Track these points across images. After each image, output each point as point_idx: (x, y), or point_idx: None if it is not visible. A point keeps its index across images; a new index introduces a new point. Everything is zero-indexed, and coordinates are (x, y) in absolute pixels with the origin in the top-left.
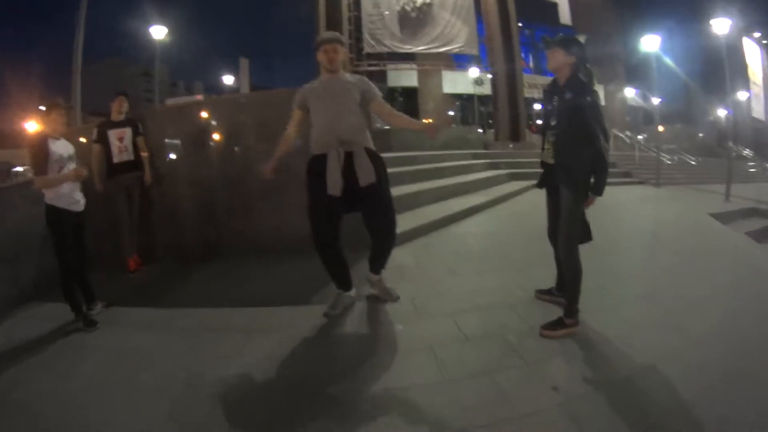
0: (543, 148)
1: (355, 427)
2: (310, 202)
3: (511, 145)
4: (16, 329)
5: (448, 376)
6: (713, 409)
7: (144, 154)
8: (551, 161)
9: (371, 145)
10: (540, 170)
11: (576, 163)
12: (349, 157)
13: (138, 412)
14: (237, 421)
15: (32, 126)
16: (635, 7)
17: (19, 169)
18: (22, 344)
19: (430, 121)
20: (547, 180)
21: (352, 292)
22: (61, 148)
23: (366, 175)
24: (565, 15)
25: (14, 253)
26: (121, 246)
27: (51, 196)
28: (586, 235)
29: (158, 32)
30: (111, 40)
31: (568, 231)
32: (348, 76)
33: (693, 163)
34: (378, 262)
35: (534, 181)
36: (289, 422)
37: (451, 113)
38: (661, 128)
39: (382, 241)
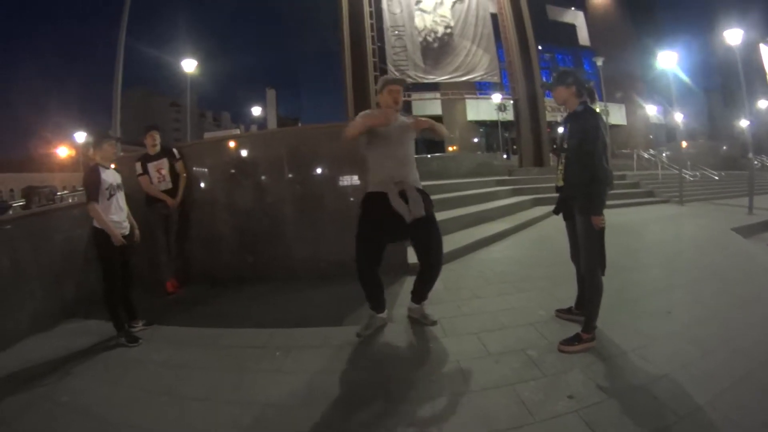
0: (558, 172)
1: None
2: (361, 232)
3: (534, 171)
4: (61, 342)
5: (473, 387)
6: (724, 413)
7: (183, 175)
8: (561, 183)
9: (420, 185)
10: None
11: (581, 181)
12: (402, 194)
13: (183, 419)
14: (277, 427)
15: (63, 151)
16: (653, 24)
17: (60, 193)
18: (68, 355)
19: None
20: (562, 204)
21: (384, 314)
22: (111, 177)
23: (416, 208)
24: (583, 36)
25: (59, 271)
26: (160, 269)
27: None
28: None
29: (189, 65)
30: (138, 69)
31: (587, 251)
32: (403, 119)
33: (716, 178)
34: (421, 294)
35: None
36: (325, 429)
37: (476, 140)
38: (684, 144)
39: (430, 272)
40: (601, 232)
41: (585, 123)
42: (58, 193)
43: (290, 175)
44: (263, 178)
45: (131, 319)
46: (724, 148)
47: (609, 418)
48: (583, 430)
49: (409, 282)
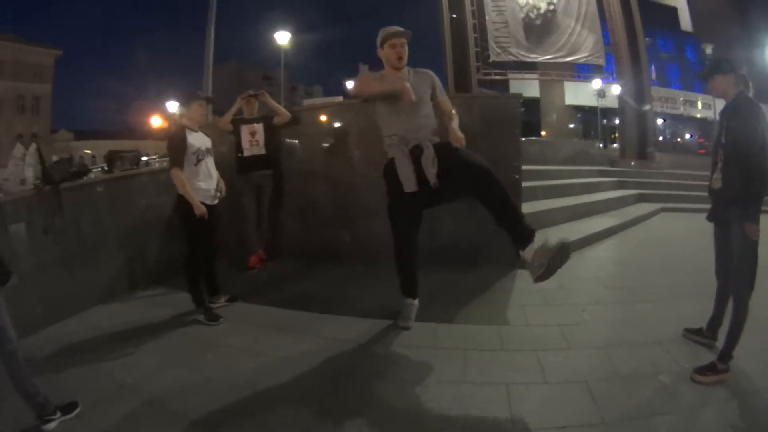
0: (712, 174)
1: None
2: (392, 205)
3: (632, 163)
4: (136, 311)
5: (604, 418)
6: None
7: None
8: (719, 185)
9: (436, 139)
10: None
11: (739, 183)
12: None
13: (266, 419)
14: None
15: (156, 121)
16: (763, 8)
17: (146, 158)
18: (141, 326)
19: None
20: (719, 210)
21: (416, 301)
22: (199, 140)
23: (429, 172)
24: (685, 21)
25: (140, 237)
26: (247, 242)
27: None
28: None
29: (282, 38)
30: (231, 43)
31: (741, 267)
32: (413, 72)
33: None
34: (517, 238)
35: (663, 204)
36: None
37: (572, 126)
38: None
39: (503, 215)
40: (755, 245)
41: (743, 114)
42: (144, 158)
43: None
44: (367, 150)
45: (213, 293)
46: None
47: None
48: None
49: (521, 277)
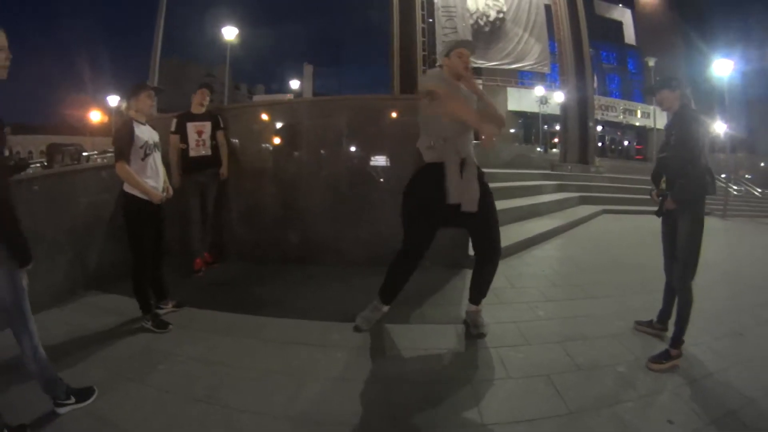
0: (660, 179)
1: None
2: (411, 211)
3: (570, 167)
4: (79, 319)
5: (570, 409)
6: None
7: (224, 147)
8: (664, 186)
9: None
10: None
11: (686, 184)
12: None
13: None
14: None
15: (96, 116)
16: (702, 29)
17: (86, 154)
18: (85, 336)
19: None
20: (663, 208)
21: (386, 309)
22: (146, 133)
23: (470, 198)
24: (629, 35)
25: (81, 238)
26: (191, 244)
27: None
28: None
29: (229, 33)
30: (174, 38)
31: (685, 258)
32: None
33: (758, 194)
34: (478, 292)
35: (604, 206)
36: None
37: (513, 131)
38: (721, 156)
39: (490, 267)
40: (699, 241)
41: (686, 125)
42: (85, 153)
43: (348, 148)
44: (316, 149)
45: (160, 298)
46: (761, 164)
47: None
48: None
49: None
